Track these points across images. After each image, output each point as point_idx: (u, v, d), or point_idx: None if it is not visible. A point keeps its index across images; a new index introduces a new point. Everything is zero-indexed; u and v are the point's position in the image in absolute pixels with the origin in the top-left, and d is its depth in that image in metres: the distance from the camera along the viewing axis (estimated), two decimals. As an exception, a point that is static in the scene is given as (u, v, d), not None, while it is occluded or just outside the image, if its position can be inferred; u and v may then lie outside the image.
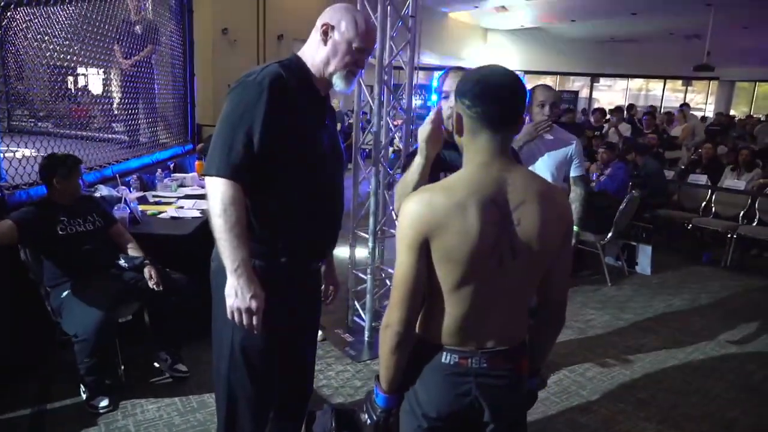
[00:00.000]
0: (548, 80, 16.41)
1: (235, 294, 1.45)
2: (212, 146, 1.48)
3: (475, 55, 15.56)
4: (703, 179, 6.21)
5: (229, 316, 1.49)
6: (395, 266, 1.18)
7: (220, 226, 1.43)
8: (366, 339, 3.32)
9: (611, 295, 4.46)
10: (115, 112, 4.71)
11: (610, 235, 4.67)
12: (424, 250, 1.13)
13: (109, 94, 4.84)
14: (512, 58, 15.49)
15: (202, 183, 4.08)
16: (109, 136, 4.58)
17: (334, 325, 3.51)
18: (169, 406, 2.53)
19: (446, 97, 1.74)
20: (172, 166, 4.66)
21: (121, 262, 2.66)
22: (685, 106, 9.13)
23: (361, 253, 3.57)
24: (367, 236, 3.27)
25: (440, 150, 1.49)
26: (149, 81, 4.69)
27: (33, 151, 3.06)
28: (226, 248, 1.44)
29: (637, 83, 17.57)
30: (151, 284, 2.57)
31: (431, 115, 1.42)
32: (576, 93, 16.67)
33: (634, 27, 13.40)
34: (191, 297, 2.66)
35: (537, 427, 2.53)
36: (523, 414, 1.36)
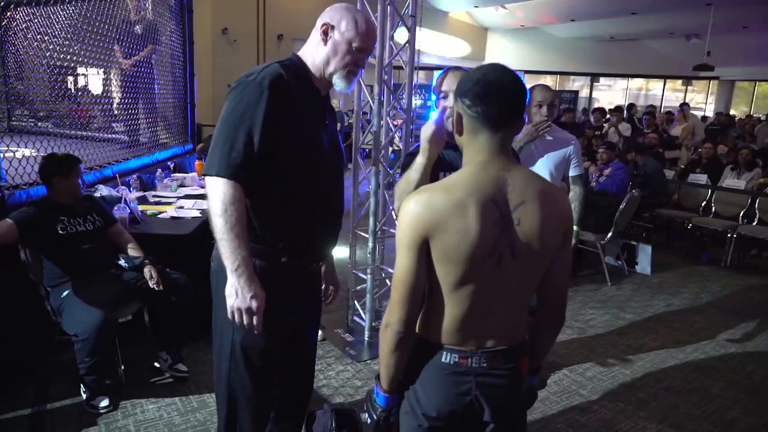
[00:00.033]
0: (548, 80, 16.46)
1: (236, 294, 1.45)
2: (212, 146, 1.47)
3: (475, 55, 15.57)
4: (703, 179, 6.21)
5: (229, 315, 1.49)
6: (395, 266, 1.18)
7: (220, 226, 1.43)
8: (366, 339, 3.32)
9: (611, 295, 4.46)
10: (115, 112, 4.71)
11: (610, 234, 4.68)
12: (424, 250, 1.13)
13: (109, 94, 4.84)
14: (512, 57, 15.47)
15: (202, 183, 4.09)
16: (109, 136, 4.59)
17: (334, 325, 3.51)
18: (170, 406, 2.53)
19: (444, 97, 1.74)
20: (172, 166, 4.67)
21: (121, 262, 2.66)
22: (685, 105, 9.12)
23: (361, 253, 3.57)
24: (367, 236, 3.27)
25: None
26: (149, 81, 4.69)
27: (33, 151, 3.06)
28: (227, 248, 1.44)
29: (637, 83, 17.56)
30: (151, 284, 2.57)
31: (435, 114, 1.42)
32: (576, 93, 16.67)
33: (634, 27, 13.41)
34: (191, 297, 2.67)
35: (537, 427, 2.54)
36: (523, 413, 1.36)
